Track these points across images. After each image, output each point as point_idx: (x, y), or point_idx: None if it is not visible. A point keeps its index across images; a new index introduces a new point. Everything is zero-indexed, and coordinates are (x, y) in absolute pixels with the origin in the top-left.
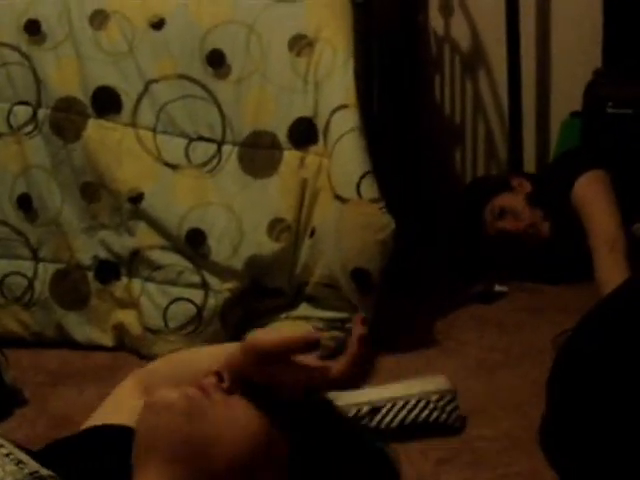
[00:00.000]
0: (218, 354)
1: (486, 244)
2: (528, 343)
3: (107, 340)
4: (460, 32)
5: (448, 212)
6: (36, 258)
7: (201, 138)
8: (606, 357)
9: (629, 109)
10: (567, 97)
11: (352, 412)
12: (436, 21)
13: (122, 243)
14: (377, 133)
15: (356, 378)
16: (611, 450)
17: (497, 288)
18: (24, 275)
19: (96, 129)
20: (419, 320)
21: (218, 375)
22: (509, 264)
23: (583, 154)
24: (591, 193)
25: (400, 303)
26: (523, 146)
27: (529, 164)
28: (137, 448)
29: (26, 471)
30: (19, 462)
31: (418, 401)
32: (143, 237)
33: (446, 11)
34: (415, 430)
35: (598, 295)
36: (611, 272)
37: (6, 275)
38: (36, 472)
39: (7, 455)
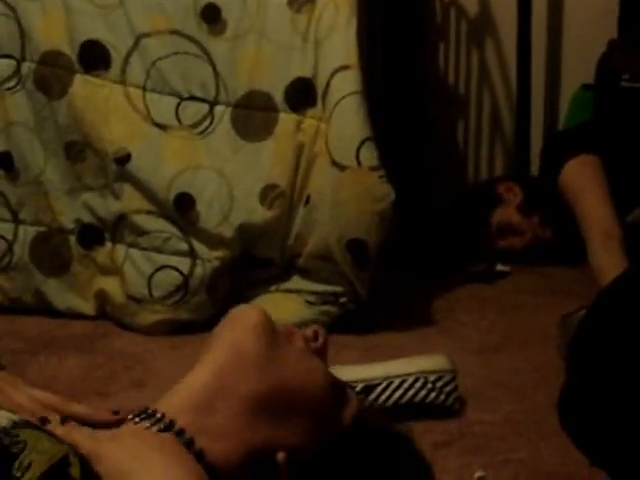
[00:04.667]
0: None
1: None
2: (529, 325)
3: (88, 308)
4: None
5: (446, 195)
6: (16, 220)
7: (193, 98)
8: (628, 330)
9: None
10: (579, 68)
11: None
12: None
13: (107, 206)
14: (379, 97)
15: None
16: (635, 421)
17: (499, 267)
18: (3, 237)
19: (83, 85)
20: (417, 298)
21: (315, 333)
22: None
23: (572, 137)
24: (580, 179)
25: (398, 279)
26: (531, 119)
27: (536, 138)
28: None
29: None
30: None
31: (415, 380)
32: (129, 201)
33: None
34: (411, 411)
35: (596, 282)
36: (608, 260)
37: None
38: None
39: None
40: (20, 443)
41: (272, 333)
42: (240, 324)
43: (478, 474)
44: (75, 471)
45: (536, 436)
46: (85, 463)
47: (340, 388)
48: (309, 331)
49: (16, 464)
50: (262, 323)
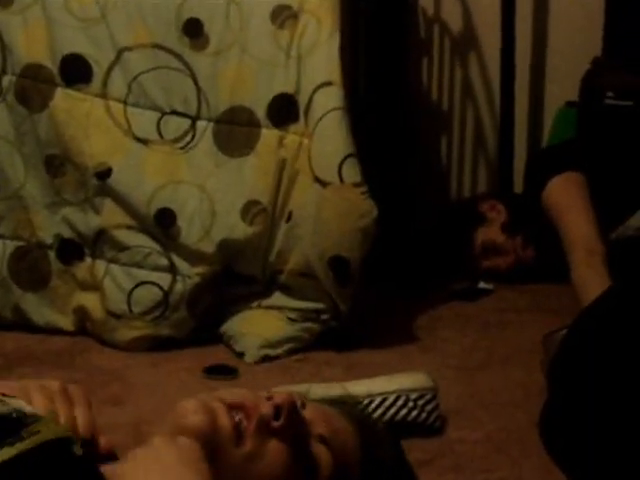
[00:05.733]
0: None
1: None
2: (512, 343)
3: (67, 324)
4: (451, 12)
5: (429, 211)
6: None
7: (174, 112)
8: (609, 349)
9: (629, 101)
10: (563, 85)
11: None
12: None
13: (87, 221)
14: (361, 114)
15: None
16: (616, 441)
17: (482, 285)
18: None
19: (64, 99)
20: (399, 315)
21: (276, 409)
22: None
23: (556, 155)
24: (564, 196)
25: (379, 295)
26: (514, 136)
27: (520, 155)
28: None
29: (11, 406)
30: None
31: (397, 398)
32: (109, 215)
33: None
34: (393, 429)
35: (578, 299)
36: (590, 276)
37: None
38: (20, 409)
39: None
40: (34, 418)
41: (213, 445)
42: (178, 437)
43: None
44: (78, 449)
45: (517, 455)
46: (88, 449)
47: (305, 461)
48: (268, 407)
49: (24, 430)
50: (197, 443)
